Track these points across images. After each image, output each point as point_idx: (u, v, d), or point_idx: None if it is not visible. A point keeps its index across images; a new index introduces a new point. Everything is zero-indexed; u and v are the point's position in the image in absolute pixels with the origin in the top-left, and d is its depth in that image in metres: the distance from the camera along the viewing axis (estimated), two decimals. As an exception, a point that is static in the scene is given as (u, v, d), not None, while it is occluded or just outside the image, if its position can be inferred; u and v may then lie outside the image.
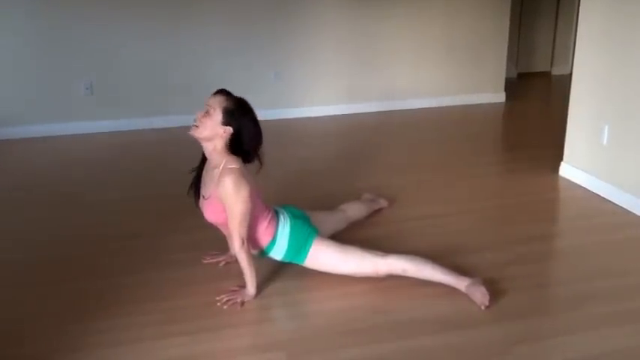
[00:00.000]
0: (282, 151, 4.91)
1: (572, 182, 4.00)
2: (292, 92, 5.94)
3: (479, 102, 6.39)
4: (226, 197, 2.52)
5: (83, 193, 4.02)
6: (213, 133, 2.55)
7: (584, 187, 3.88)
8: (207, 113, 2.54)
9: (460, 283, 2.60)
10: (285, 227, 2.72)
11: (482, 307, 2.49)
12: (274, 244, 2.73)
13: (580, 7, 3.92)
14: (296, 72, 5.90)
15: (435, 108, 6.24)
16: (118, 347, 2.33)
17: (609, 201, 3.65)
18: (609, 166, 3.71)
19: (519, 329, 2.40)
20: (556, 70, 8.00)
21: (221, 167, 2.56)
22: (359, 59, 6.01)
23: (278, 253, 2.75)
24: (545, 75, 8.00)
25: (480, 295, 2.52)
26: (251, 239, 2.67)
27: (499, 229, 3.33)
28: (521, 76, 7.84)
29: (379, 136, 5.35)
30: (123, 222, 3.52)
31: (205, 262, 2.95)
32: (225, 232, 2.78)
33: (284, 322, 2.56)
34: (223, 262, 2.94)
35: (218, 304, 2.58)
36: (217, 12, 5.57)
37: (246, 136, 2.59)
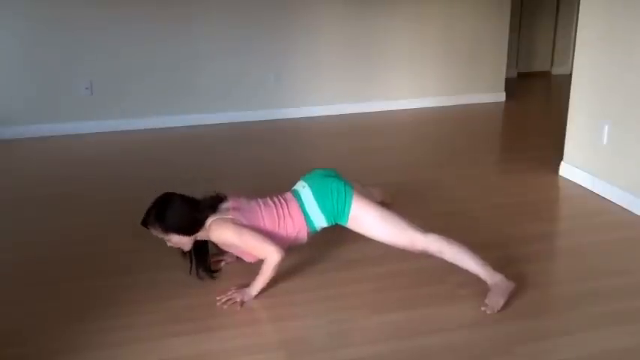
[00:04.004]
0: (283, 151, 4.92)
1: (572, 182, 4.00)
2: (292, 93, 5.93)
3: (479, 102, 6.39)
4: (228, 243, 2.67)
5: (83, 193, 4.02)
6: (186, 240, 2.69)
7: (584, 187, 3.88)
8: (169, 241, 2.70)
9: (491, 278, 2.56)
10: (309, 199, 2.76)
11: (483, 309, 2.48)
12: (311, 220, 2.76)
13: (580, 8, 3.92)
14: (296, 73, 5.89)
15: (435, 108, 6.24)
16: (118, 347, 2.33)
17: (609, 200, 3.65)
18: (609, 166, 3.70)
19: (519, 329, 2.40)
20: (556, 70, 7.99)
21: (209, 234, 2.69)
22: (359, 59, 6.01)
23: (321, 222, 2.79)
24: (545, 75, 7.99)
25: (494, 300, 2.49)
26: (294, 236, 2.74)
27: (499, 229, 3.33)
28: (521, 75, 7.83)
29: (379, 136, 5.35)
30: (123, 222, 3.51)
31: (205, 262, 2.96)
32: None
33: (284, 322, 2.55)
34: (224, 263, 2.95)
35: (218, 304, 2.58)
36: (217, 13, 5.56)
37: (186, 219, 2.65)
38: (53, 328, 2.46)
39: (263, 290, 2.65)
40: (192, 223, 2.66)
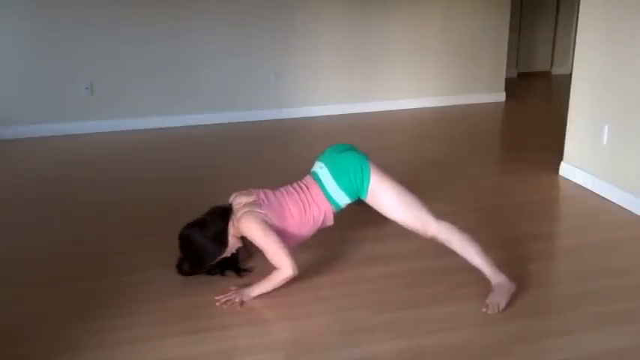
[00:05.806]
0: (284, 151, 4.92)
1: (572, 182, 4.00)
2: (292, 93, 5.94)
3: (479, 102, 6.39)
4: (251, 238, 2.64)
5: (83, 193, 4.02)
6: (228, 249, 2.73)
7: (584, 187, 3.88)
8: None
9: (495, 277, 2.56)
10: (327, 179, 2.75)
11: (484, 309, 2.48)
12: (334, 200, 2.76)
13: (580, 8, 3.92)
14: (296, 72, 5.90)
15: (435, 108, 6.24)
16: (118, 347, 2.33)
17: (609, 200, 3.65)
18: (609, 166, 3.71)
19: (519, 329, 2.40)
20: (556, 70, 8.00)
21: (239, 226, 2.67)
22: (359, 59, 6.01)
23: (344, 200, 2.78)
24: (545, 75, 8.00)
25: (496, 300, 2.49)
26: (321, 220, 2.76)
27: (499, 229, 3.33)
28: (521, 75, 7.84)
29: (379, 136, 5.35)
30: (123, 222, 3.52)
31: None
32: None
33: (285, 322, 2.56)
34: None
35: (217, 304, 2.58)
36: (217, 13, 5.57)
37: (211, 243, 2.69)
38: (53, 328, 2.46)
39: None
40: (217, 241, 2.68)
